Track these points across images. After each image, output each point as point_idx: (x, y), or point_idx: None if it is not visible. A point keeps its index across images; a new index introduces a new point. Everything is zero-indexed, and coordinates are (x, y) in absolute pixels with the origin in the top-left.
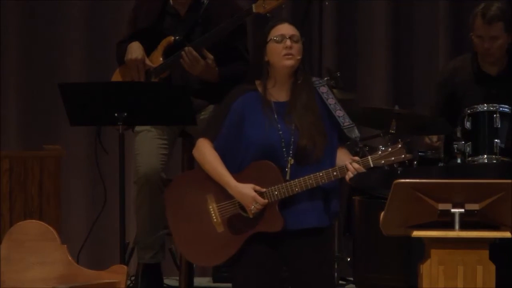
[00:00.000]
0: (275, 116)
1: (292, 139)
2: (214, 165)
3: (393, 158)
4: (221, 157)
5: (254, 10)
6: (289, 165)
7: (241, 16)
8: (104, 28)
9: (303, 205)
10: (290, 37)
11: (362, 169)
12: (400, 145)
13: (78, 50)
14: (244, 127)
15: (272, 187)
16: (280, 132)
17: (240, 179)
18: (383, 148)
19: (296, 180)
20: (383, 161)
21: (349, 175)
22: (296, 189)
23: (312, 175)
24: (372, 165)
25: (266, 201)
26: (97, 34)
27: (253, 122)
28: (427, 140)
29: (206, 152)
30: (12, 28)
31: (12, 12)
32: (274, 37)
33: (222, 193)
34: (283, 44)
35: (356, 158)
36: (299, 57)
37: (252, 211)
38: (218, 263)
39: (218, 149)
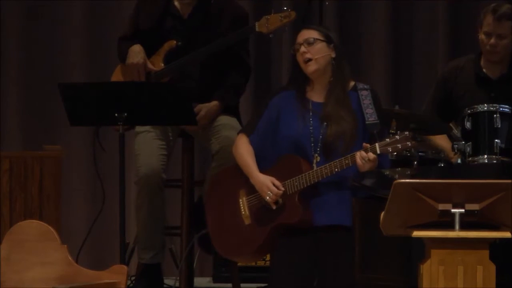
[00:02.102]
0: (310, 113)
1: (321, 137)
2: (244, 157)
3: (399, 146)
4: (258, 152)
5: (257, 29)
6: (315, 161)
7: (243, 32)
8: (104, 28)
9: (332, 202)
10: (304, 42)
11: (368, 156)
12: (406, 133)
13: (78, 50)
14: (279, 123)
15: (293, 179)
16: (311, 128)
17: (269, 173)
18: (390, 136)
19: (314, 170)
20: (389, 148)
21: (358, 162)
22: (314, 179)
23: (327, 164)
24: (378, 152)
25: (280, 192)
26: (97, 34)
27: (287, 118)
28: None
29: (240, 145)
30: (12, 28)
31: (13, 12)
32: (294, 49)
33: (252, 186)
34: (299, 53)
35: (366, 145)
36: (317, 57)
37: (268, 201)
38: (246, 257)
39: (254, 143)
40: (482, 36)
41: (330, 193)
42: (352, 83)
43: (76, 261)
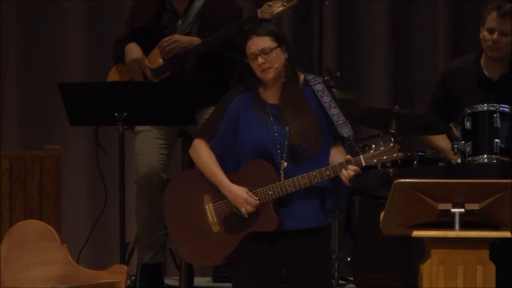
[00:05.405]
0: (271, 118)
1: (286, 142)
2: (208, 164)
3: (385, 157)
4: (218, 157)
5: (259, 16)
6: (282, 168)
7: (244, 21)
8: (104, 28)
9: (301, 206)
10: (260, 52)
11: (355, 171)
12: (392, 144)
13: (78, 50)
14: (239, 127)
15: (266, 187)
16: (276, 134)
17: (235, 178)
18: (375, 147)
19: (290, 179)
20: (375, 160)
21: (345, 181)
22: (290, 189)
23: (305, 174)
24: (364, 164)
25: (257, 202)
26: (97, 34)
27: (248, 122)
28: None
29: (201, 151)
30: (12, 28)
31: (12, 12)
32: (248, 56)
33: (218, 193)
34: (256, 62)
35: (348, 156)
36: (276, 65)
37: (244, 212)
38: (214, 263)
39: (214, 148)
40: (484, 33)
41: (300, 197)
42: (301, 77)
43: (77, 261)
